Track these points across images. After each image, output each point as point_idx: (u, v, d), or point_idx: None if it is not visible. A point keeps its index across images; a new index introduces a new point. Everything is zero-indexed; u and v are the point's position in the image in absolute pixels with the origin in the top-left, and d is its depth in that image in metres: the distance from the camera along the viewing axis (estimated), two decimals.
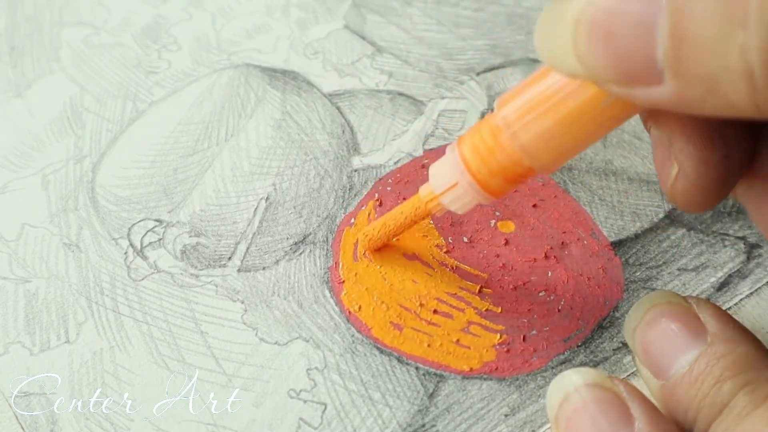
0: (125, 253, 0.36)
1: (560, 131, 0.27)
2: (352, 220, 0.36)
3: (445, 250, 0.35)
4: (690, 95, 0.23)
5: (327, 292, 0.34)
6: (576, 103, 0.26)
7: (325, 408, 0.32)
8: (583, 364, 0.33)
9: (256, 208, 0.37)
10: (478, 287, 0.34)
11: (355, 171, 0.38)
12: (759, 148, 0.30)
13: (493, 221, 0.36)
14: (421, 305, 0.34)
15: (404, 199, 0.36)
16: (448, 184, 0.30)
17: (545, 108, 0.26)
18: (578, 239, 0.36)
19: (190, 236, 0.36)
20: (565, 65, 0.25)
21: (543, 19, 0.26)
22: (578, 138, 0.27)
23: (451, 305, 0.34)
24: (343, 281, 0.35)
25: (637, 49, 0.23)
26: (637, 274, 0.35)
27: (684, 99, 0.23)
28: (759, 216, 0.31)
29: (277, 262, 0.35)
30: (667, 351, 0.29)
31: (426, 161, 0.38)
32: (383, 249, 0.35)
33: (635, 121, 0.38)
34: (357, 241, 0.36)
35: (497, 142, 0.28)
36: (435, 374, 0.32)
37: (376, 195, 0.37)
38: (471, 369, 0.33)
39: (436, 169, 0.31)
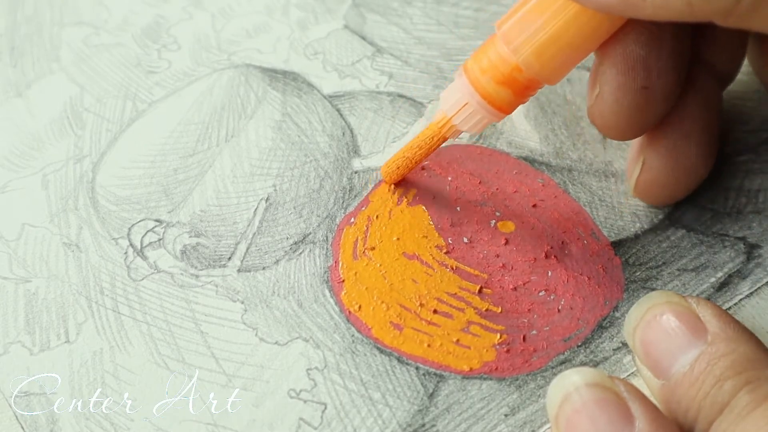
0: (125, 253, 0.36)
1: (548, 36, 0.30)
2: (352, 220, 0.36)
3: (445, 250, 0.35)
4: None
5: (327, 292, 0.34)
6: (559, 10, 0.30)
7: (325, 408, 0.32)
8: (583, 364, 0.33)
9: (256, 209, 0.37)
10: (478, 287, 0.34)
11: (356, 173, 0.38)
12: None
13: (493, 221, 0.36)
14: (421, 305, 0.34)
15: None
16: (459, 105, 0.32)
17: (534, 17, 0.30)
18: (578, 239, 0.36)
19: (190, 236, 0.36)
20: None
21: None
22: (564, 42, 0.30)
23: (451, 305, 0.34)
24: (343, 280, 0.35)
25: None
26: (637, 274, 0.35)
27: (627, 1, 0.26)
28: None
29: (277, 262, 0.35)
30: (668, 351, 0.29)
31: (426, 163, 0.38)
32: (383, 249, 0.35)
33: None
34: (356, 239, 0.36)
35: (497, 54, 0.31)
36: (435, 374, 0.32)
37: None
38: (471, 369, 0.33)
39: (446, 93, 0.33)
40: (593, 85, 0.32)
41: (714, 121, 0.34)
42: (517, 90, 0.31)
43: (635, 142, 0.35)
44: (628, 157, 0.36)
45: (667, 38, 0.31)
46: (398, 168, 0.36)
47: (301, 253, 0.36)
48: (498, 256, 0.35)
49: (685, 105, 0.34)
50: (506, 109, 0.32)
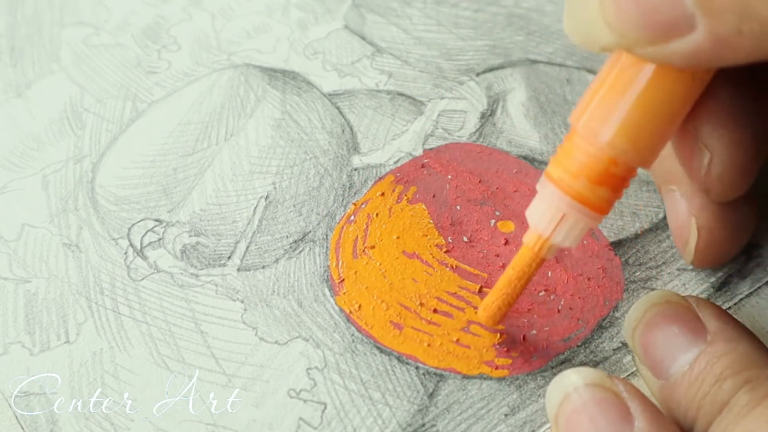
0: (125, 253, 0.36)
1: (637, 116, 0.27)
2: (352, 218, 0.36)
3: (445, 249, 0.35)
4: (725, 31, 0.23)
5: (327, 291, 0.34)
6: (641, 84, 0.26)
7: (325, 408, 0.32)
8: (583, 364, 0.33)
9: (255, 207, 0.37)
10: (478, 287, 0.34)
11: (355, 170, 0.38)
12: None
13: (493, 221, 0.36)
14: (421, 304, 0.34)
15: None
16: (555, 220, 0.29)
17: (615, 100, 0.27)
18: None
19: (190, 236, 0.36)
20: (598, 38, 0.25)
21: (569, 1, 0.26)
22: (657, 118, 0.27)
23: (451, 304, 0.34)
24: (343, 280, 0.35)
25: None
26: (637, 274, 0.35)
27: (720, 39, 0.23)
28: None
29: (276, 260, 0.35)
30: (667, 350, 0.29)
31: (426, 161, 0.38)
32: (383, 247, 0.35)
33: None
34: (356, 238, 0.36)
35: (585, 152, 0.28)
36: (435, 374, 0.32)
37: (382, 192, 0.37)
38: (471, 368, 0.32)
39: (534, 210, 0.29)
40: (696, 154, 0.29)
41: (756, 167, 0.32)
42: (615, 184, 0.28)
43: (679, 208, 0.33)
44: (673, 227, 0.33)
45: (747, 77, 0.29)
46: (500, 308, 0.32)
47: (300, 252, 0.36)
48: (498, 255, 0.35)
49: None
50: (607, 209, 0.28)
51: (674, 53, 0.24)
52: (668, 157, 0.32)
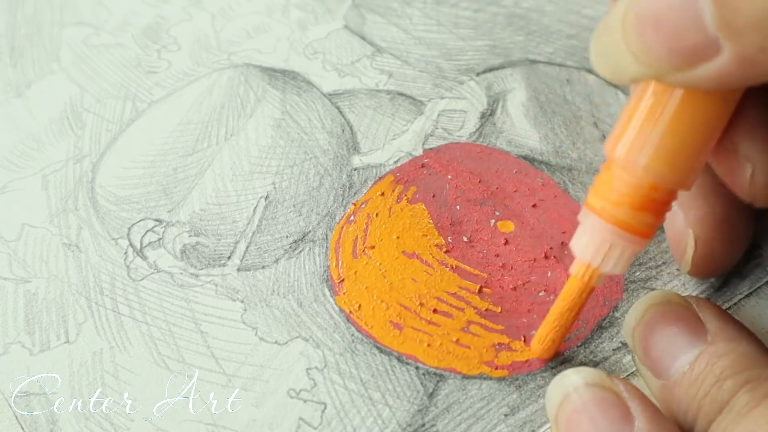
0: (125, 253, 0.36)
1: (672, 140, 0.27)
2: (352, 218, 0.36)
3: (444, 249, 0.35)
4: (749, 50, 0.23)
5: (327, 291, 0.34)
6: (672, 108, 0.27)
7: (325, 408, 0.32)
8: (583, 364, 0.33)
9: (255, 207, 0.37)
10: (477, 287, 0.34)
11: (355, 170, 0.38)
12: None
13: (492, 221, 0.36)
14: (421, 304, 0.34)
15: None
16: (603, 250, 0.29)
17: (650, 127, 0.27)
18: None
19: (190, 236, 0.36)
20: (626, 70, 0.25)
21: (595, 36, 0.26)
22: (693, 141, 0.27)
23: (450, 305, 0.34)
24: (343, 280, 0.35)
25: (686, 24, 0.23)
26: (637, 274, 0.35)
27: (746, 58, 0.23)
28: None
29: (276, 260, 0.35)
30: (667, 350, 0.29)
31: (426, 160, 0.38)
32: (383, 247, 0.35)
33: None
34: (356, 238, 0.36)
35: (624, 181, 0.28)
36: (435, 374, 0.32)
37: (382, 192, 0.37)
38: (471, 368, 0.32)
39: (579, 243, 0.30)
40: (738, 167, 0.29)
41: None
42: (657, 209, 0.29)
43: (676, 221, 0.33)
44: (671, 238, 0.34)
45: None
46: (554, 342, 0.32)
47: (300, 252, 0.36)
48: (498, 255, 0.35)
49: None
50: (651, 233, 0.29)
51: (702, 78, 0.24)
52: None
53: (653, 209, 0.28)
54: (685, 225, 0.33)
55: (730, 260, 0.34)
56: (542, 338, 0.32)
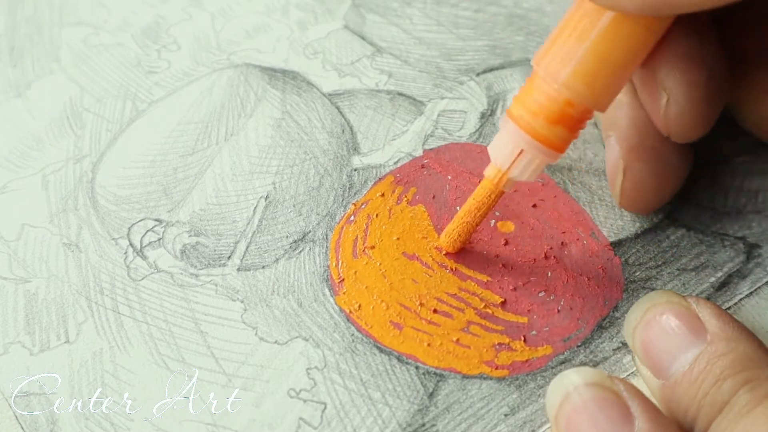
0: (125, 252, 0.36)
1: (594, 61, 0.29)
2: (352, 218, 0.36)
3: (444, 251, 0.35)
4: None
5: (327, 291, 0.34)
6: (598, 31, 0.29)
7: (325, 407, 0.32)
8: (583, 364, 0.33)
9: (255, 207, 0.37)
10: (478, 288, 0.34)
11: (355, 170, 0.38)
12: (744, 53, 0.33)
13: (492, 221, 0.36)
14: (421, 304, 0.34)
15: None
16: (513, 154, 0.31)
17: (574, 45, 0.29)
18: (578, 239, 0.36)
19: (190, 236, 0.36)
20: None
21: None
22: (614, 64, 0.29)
23: (450, 305, 0.34)
24: (343, 279, 0.35)
25: None
26: (637, 274, 0.35)
27: None
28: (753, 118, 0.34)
29: (276, 260, 0.35)
30: (667, 350, 0.29)
31: (426, 161, 0.38)
32: (383, 247, 0.35)
33: None
34: (356, 238, 0.36)
35: (545, 93, 0.30)
36: (435, 373, 0.32)
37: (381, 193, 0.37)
38: (471, 368, 0.32)
39: (495, 145, 0.31)
40: (656, 95, 0.31)
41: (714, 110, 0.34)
42: (572, 125, 0.30)
43: (613, 152, 0.35)
44: (608, 170, 0.35)
45: (706, 23, 0.31)
46: (459, 235, 0.34)
47: (300, 252, 0.36)
48: (498, 256, 0.35)
49: None
50: (563, 147, 0.31)
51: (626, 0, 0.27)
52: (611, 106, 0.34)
53: (567, 124, 0.30)
54: (619, 157, 0.34)
55: (659, 196, 0.35)
56: (450, 232, 0.34)
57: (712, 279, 0.34)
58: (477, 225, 0.34)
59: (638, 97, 0.33)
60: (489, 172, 0.32)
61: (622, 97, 0.34)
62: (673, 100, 0.31)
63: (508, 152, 0.31)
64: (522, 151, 0.31)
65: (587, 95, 0.29)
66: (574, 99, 0.29)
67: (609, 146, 0.35)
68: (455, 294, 0.34)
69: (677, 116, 0.31)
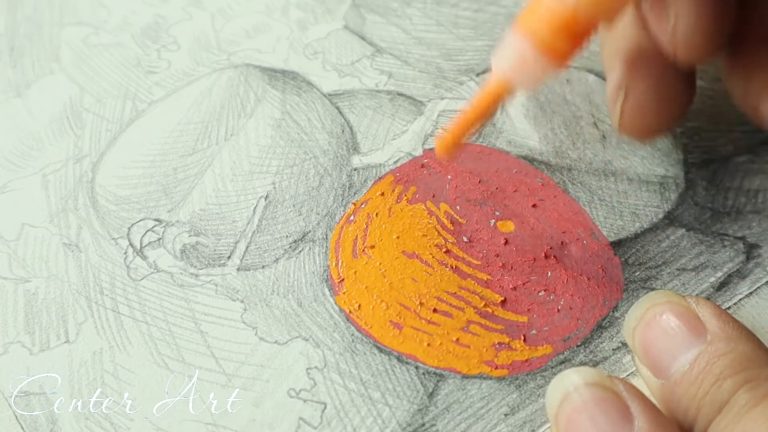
0: (125, 252, 0.36)
1: None
2: (352, 218, 0.36)
3: (444, 249, 0.35)
4: None
5: (326, 291, 0.34)
6: None
7: (325, 407, 0.32)
8: (582, 363, 0.33)
9: (255, 207, 0.37)
10: (478, 287, 0.34)
11: (355, 170, 0.38)
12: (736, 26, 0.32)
13: (492, 221, 0.36)
14: (421, 304, 0.34)
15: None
16: (516, 63, 0.30)
17: None
18: (578, 239, 0.36)
19: (190, 235, 0.36)
20: None
21: None
22: None
23: (450, 304, 0.34)
24: (343, 279, 0.35)
25: None
26: (637, 274, 0.35)
27: None
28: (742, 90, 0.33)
29: (276, 260, 0.35)
30: (667, 350, 0.29)
31: (426, 160, 0.38)
32: (383, 247, 0.35)
33: None
34: (356, 237, 0.36)
35: (551, 2, 0.29)
36: (435, 373, 0.32)
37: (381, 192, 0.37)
38: (470, 368, 0.33)
39: (498, 54, 0.31)
40: (663, 17, 0.31)
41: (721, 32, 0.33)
42: (576, 36, 0.30)
43: (614, 77, 0.34)
44: (608, 94, 0.35)
45: None
46: (452, 137, 0.32)
47: (300, 252, 0.36)
48: (498, 255, 0.35)
49: None
50: (566, 59, 0.30)
51: None
52: (615, 32, 0.34)
53: (572, 35, 0.29)
54: (618, 80, 0.34)
55: (659, 120, 0.34)
56: (446, 137, 0.32)
57: (712, 279, 0.34)
58: (473, 132, 0.33)
59: (644, 24, 0.33)
60: (489, 79, 0.31)
61: (628, 27, 0.34)
62: (681, 22, 0.30)
63: (510, 58, 0.30)
64: (525, 59, 0.30)
65: (594, 6, 0.29)
66: (580, 10, 0.29)
67: (610, 72, 0.35)
68: (455, 293, 0.34)
69: (684, 38, 0.31)
